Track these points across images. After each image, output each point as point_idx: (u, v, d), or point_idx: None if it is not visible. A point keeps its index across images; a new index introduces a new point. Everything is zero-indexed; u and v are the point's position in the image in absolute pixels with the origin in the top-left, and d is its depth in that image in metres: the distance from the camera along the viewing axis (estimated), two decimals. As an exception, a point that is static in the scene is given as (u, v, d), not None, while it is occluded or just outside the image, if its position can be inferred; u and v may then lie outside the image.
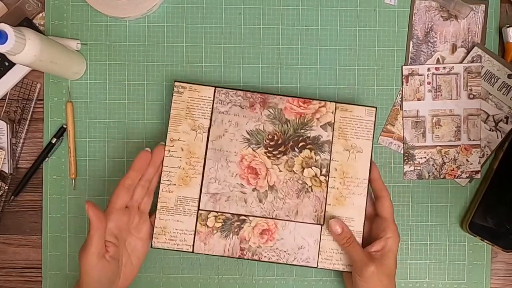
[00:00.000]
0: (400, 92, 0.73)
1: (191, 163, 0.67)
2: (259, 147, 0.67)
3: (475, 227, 0.70)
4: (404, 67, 0.72)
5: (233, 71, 0.73)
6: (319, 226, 0.67)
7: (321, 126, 0.67)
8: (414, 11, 0.72)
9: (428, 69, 0.72)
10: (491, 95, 0.72)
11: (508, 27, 0.71)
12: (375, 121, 0.67)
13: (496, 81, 0.72)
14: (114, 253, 0.62)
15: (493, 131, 0.72)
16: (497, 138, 0.72)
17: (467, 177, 0.73)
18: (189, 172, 0.67)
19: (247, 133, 0.67)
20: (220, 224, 0.67)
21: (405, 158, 0.73)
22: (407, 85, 0.72)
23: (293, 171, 0.67)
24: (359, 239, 0.66)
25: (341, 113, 0.67)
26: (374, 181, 0.67)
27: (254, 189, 0.67)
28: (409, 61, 0.72)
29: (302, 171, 0.67)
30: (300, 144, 0.67)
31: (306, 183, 0.67)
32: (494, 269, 0.73)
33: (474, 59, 0.72)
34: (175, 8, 0.73)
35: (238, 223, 0.67)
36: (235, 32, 0.73)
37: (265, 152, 0.67)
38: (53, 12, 0.73)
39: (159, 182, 0.67)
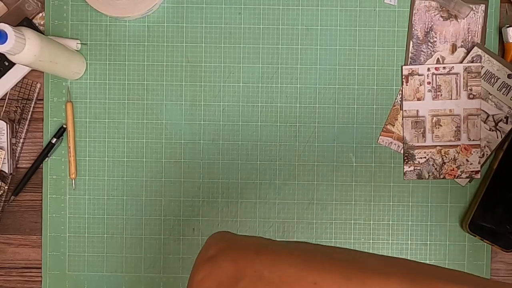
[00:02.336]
0: (400, 92, 0.73)
1: None
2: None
3: (475, 227, 0.70)
4: (404, 67, 0.72)
5: (233, 71, 0.73)
6: None
7: None
8: (414, 11, 0.72)
9: (428, 69, 0.72)
10: (491, 95, 0.72)
11: (508, 27, 0.71)
12: None
13: (496, 81, 0.72)
14: None
15: (493, 131, 0.72)
16: (497, 138, 0.72)
17: (467, 177, 0.73)
18: None
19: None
20: None
21: (405, 158, 0.73)
22: (407, 85, 0.72)
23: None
24: None
25: None
26: None
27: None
28: (409, 61, 0.72)
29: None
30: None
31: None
32: (494, 269, 0.73)
33: (474, 59, 0.72)
34: (175, 8, 0.73)
35: None
36: (235, 32, 0.73)
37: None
38: (53, 12, 0.73)
39: None
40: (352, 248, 0.73)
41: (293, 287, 0.36)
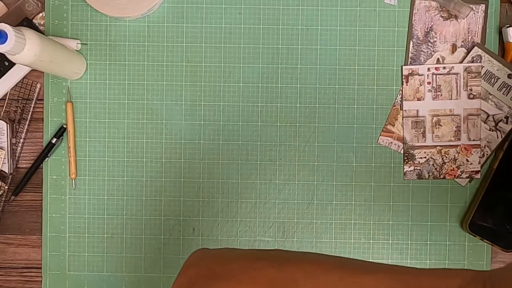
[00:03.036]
0: (400, 92, 0.73)
1: None
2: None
3: (475, 227, 0.70)
4: (404, 67, 0.72)
5: (233, 71, 0.73)
6: None
7: None
8: (414, 11, 0.72)
9: (428, 69, 0.72)
10: (491, 95, 0.72)
11: (508, 27, 0.71)
12: None
13: (496, 81, 0.72)
14: None
15: (493, 131, 0.72)
16: (497, 138, 0.72)
17: (467, 177, 0.73)
18: None
19: None
20: None
21: (405, 158, 0.73)
22: (407, 85, 0.72)
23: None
24: None
25: None
26: None
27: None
28: (409, 61, 0.72)
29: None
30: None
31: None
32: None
33: (474, 59, 0.72)
34: (175, 8, 0.73)
35: None
36: (235, 32, 0.73)
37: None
38: (53, 12, 0.73)
39: None
40: (352, 248, 0.73)
41: (240, 277, 0.40)
